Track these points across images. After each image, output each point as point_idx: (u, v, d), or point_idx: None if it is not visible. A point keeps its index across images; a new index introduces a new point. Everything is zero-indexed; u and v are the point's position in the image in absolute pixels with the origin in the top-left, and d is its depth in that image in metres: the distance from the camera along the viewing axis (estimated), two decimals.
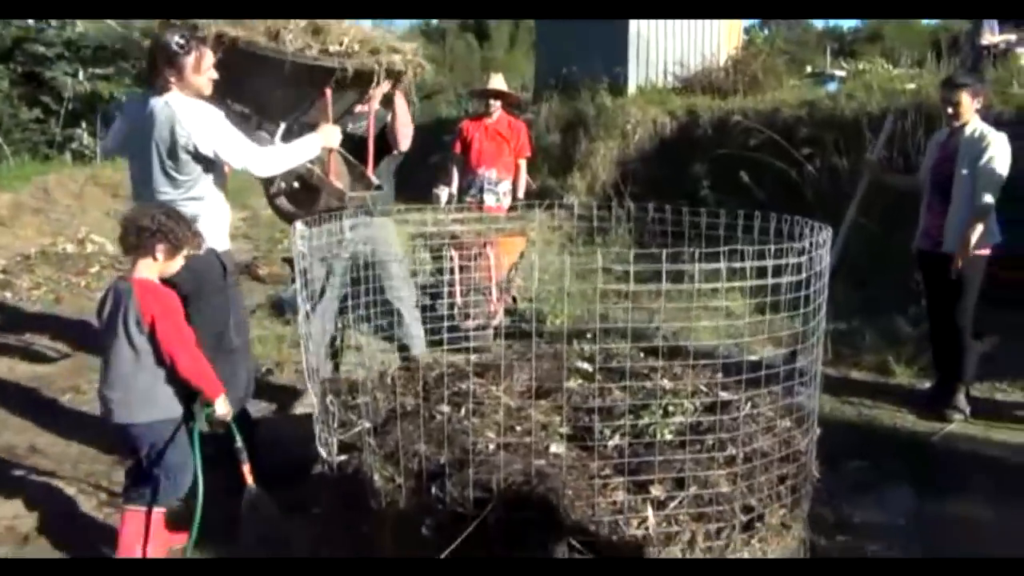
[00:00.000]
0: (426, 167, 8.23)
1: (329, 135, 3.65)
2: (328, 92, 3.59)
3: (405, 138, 4.17)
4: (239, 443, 3.10)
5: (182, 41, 3.31)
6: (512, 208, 5.90)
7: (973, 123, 4.40)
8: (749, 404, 3.06)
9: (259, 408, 4.64)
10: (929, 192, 4.57)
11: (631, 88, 11.07)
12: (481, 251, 5.04)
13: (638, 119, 10.03)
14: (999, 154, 4.27)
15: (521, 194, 6.14)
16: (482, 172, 5.96)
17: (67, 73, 15.11)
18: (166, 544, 3.17)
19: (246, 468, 3.14)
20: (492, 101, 6.06)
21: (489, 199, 5.92)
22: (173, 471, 3.06)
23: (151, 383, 3.00)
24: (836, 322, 5.96)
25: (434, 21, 43.70)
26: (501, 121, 6.12)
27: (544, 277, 5.93)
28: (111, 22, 15.25)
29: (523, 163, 6.21)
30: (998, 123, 6.69)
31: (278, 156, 3.51)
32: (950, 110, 4.41)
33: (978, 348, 4.58)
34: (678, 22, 11.40)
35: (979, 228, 4.27)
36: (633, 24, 11.13)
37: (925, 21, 34.66)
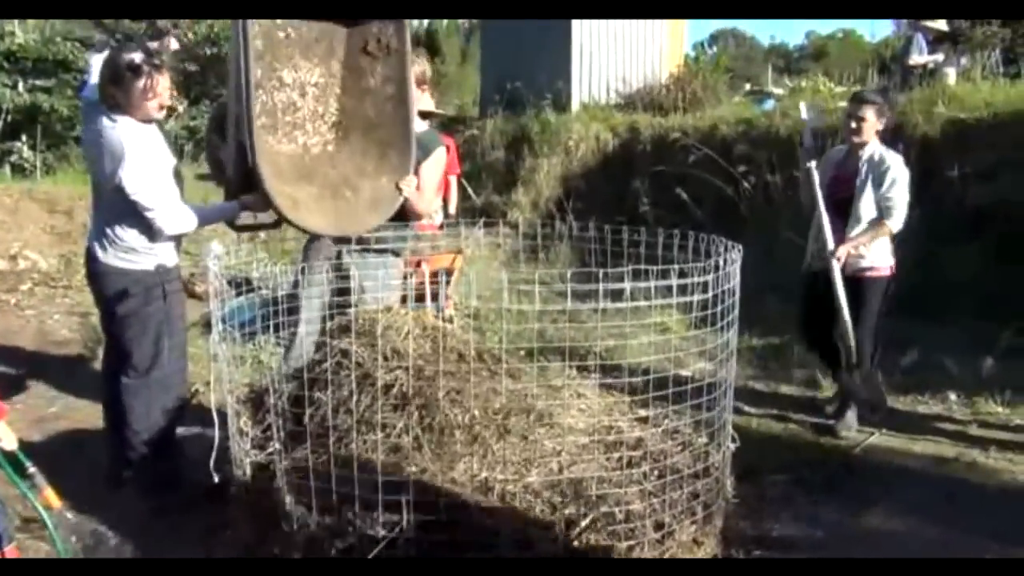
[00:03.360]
0: None
1: (251, 204, 3.55)
2: None
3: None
4: (31, 468, 2.96)
5: (136, 63, 3.27)
6: (442, 226, 5.92)
7: (872, 145, 4.38)
8: (666, 420, 3.11)
9: (186, 428, 4.59)
10: (841, 216, 4.42)
11: (574, 104, 11.16)
12: (415, 269, 5.02)
13: (581, 135, 10.11)
14: (901, 176, 4.30)
15: (452, 210, 6.16)
16: None
17: (6, 84, 14.81)
18: None
19: (48, 492, 2.99)
20: (420, 120, 6.06)
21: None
22: None
23: None
24: (768, 337, 6.08)
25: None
26: None
27: (485, 294, 5.94)
28: (34, 36, 15.01)
29: (453, 180, 6.23)
30: (924, 143, 6.94)
31: (190, 219, 3.46)
32: (853, 124, 4.34)
33: (874, 377, 4.66)
34: (620, 40, 11.53)
35: (882, 242, 4.38)
36: (576, 40, 11.24)
37: (868, 38, 35.56)
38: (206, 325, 6.46)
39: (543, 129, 10.51)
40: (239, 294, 3.79)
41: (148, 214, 3.35)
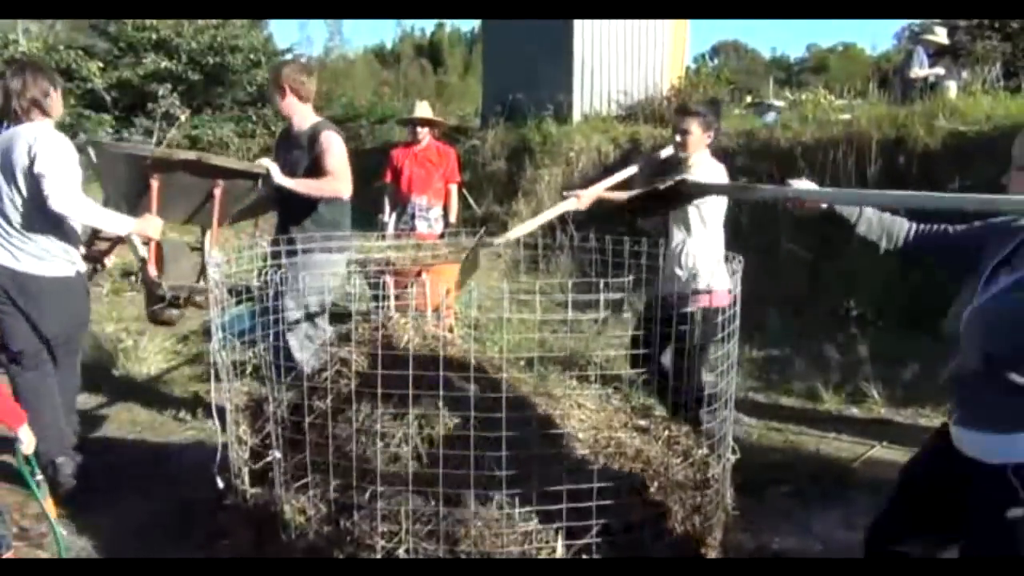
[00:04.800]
0: (373, 193, 8.24)
1: (146, 225, 3.73)
2: (154, 183, 3.80)
3: (330, 193, 4.18)
4: (38, 476, 2.98)
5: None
6: (442, 235, 5.98)
7: (698, 156, 4.03)
8: (665, 431, 3.10)
9: (185, 436, 4.60)
10: (665, 236, 4.07)
11: (576, 116, 11.19)
12: (416, 278, 5.03)
13: (582, 147, 10.14)
14: (704, 177, 3.82)
15: (453, 219, 6.20)
16: (413, 199, 6.02)
17: None
18: None
19: (47, 502, 3.00)
20: (419, 128, 6.15)
21: (421, 226, 5.97)
22: None
23: None
24: (768, 348, 6.08)
25: (388, 45, 43.85)
26: (430, 148, 6.20)
27: (485, 304, 5.95)
28: (37, 44, 15.09)
29: (454, 188, 6.27)
30: (925, 155, 6.96)
31: (87, 210, 3.57)
32: (679, 138, 4.03)
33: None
34: (622, 51, 11.57)
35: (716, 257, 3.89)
36: (577, 52, 11.28)
37: (868, 52, 35.74)
38: (206, 333, 6.47)
39: (544, 140, 10.54)
40: (239, 302, 3.79)
41: (47, 191, 3.43)
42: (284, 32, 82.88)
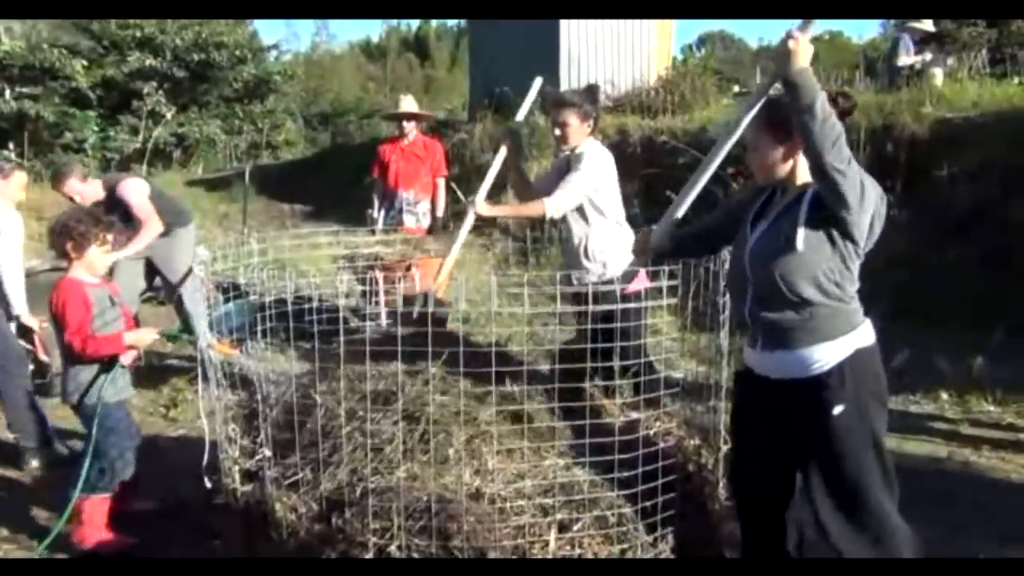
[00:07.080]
0: (361, 189, 8.23)
1: (31, 321, 4.46)
2: None
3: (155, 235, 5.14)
4: (197, 329, 3.41)
5: None
6: (430, 229, 5.96)
7: (584, 147, 3.76)
8: (658, 422, 3.09)
9: (175, 435, 4.58)
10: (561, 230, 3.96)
11: None
12: (405, 273, 5.01)
13: None
14: (589, 165, 3.69)
15: (441, 213, 6.18)
16: (401, 193, 5.99)
17: None
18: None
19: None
20: (405, 123, 6.13)
21: (409, 220, 5.95)
22: (109, 458, 3.23)
23: (80, 369, 3.25)
24: None
25: (375, 39, 43.72)
26: (417, 142, 6.18)
27: (475, 298, 5.93)
28: (20, 43, 14.96)
29: (441, 182, 6.25)
30: (912, 142, 6.98)
31: (10, 279, 4.33)
32: (558, 132, 3.78)
33: None
34: (608, 42, 11.55)
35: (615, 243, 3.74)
36: (564, 44, 11.25)
37: (855, 40, 35.80)
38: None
39: (532, 132, 10.50)
40: (227, 300, 3.77)
41: None
42: (269, 28, 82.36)
